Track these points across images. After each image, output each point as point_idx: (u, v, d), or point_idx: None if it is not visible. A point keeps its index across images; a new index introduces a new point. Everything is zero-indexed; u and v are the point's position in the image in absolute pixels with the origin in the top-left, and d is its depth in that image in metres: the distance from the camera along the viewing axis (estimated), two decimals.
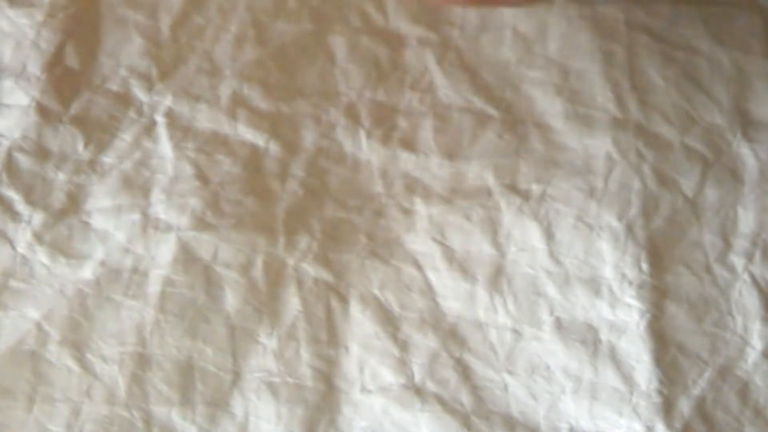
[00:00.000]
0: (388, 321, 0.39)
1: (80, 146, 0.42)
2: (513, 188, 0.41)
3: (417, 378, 0.38)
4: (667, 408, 0.37)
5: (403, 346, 0.38)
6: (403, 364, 0.38)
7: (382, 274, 0.40)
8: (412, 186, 0.41)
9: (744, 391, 0.38)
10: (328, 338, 0.39)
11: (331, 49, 0.42)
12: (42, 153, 0.42)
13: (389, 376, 0.38)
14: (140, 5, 0.45)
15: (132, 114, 0.43)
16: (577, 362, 0.38)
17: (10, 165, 0.41)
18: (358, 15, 0.43)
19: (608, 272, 0.39)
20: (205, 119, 0.42)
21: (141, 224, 0.40)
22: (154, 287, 0.39)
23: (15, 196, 0.40)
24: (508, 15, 0.43)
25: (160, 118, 0.43)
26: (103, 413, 0.37)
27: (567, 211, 0.40)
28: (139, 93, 0.43)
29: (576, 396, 0.38)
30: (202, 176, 0.41)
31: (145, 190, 0.41)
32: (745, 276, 0.40)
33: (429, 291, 0.39)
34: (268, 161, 0.41)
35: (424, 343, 0.38)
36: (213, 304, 0.39)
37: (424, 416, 0.37)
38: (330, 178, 0.41)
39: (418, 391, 0.38)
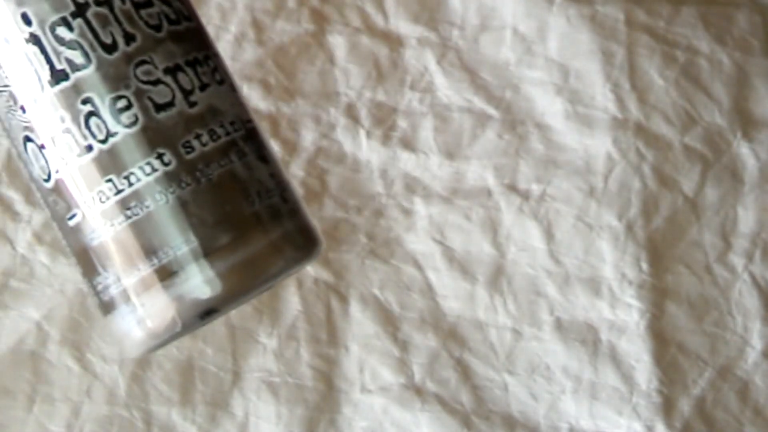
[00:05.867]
0: (388, 321, 0.39)
1: None
2: (513, 188, 0.41)
3: (417, 378, 0.38)
4: (667, 408, 0.37)
5: (403, 346, 0.38)
6: (403, 364, 0.38)
7: (382, 274, 0.40)
8: (412, 186, 0.41)
9: (744, 391, 0.38)
10: (328, 338, 0.39)
11: (331, 49, 0.42)
12: None
13: (389, 376, 0.38)
14: None
15: None
16: (577, 362, 0.38)
17: (10, 165, 0.41)
18: (358, 15, 0.42)
19: (608, 272, 0.39)
20: None
21: None
22: None
23: (15, 196, 0.40)
24: (508, 15, 0.43)
25: None
26: (103, 413, 0.37)
27: (567, 211, 0.40)
28: None
29: (576, 396, 0.38)
30: None
31: None
32: (745, 276, 0.40)
33: (429, 291, 0.39)
34: None
35: (424, 343, 0.38)
36: None
37: (424, 416, 0.37)
38: (330, 177, 0.41)
39: (418, 391, 0.38)
